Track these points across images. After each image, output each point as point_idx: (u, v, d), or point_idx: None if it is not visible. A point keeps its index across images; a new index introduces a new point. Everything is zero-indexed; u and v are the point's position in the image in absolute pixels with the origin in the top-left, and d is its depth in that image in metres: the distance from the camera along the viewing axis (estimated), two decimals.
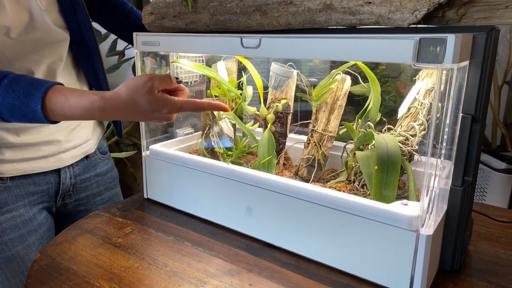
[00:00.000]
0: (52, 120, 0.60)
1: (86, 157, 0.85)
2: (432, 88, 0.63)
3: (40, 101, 0.57)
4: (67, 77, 0.78)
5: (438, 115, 0.48)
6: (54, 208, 0.81)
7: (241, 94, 0.82)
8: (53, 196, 0.79)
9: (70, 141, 0.79)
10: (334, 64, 0.80)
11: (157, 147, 0.78)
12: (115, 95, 0.58)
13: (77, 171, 0.82)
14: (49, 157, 0.76)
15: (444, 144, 0.50)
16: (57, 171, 0.78)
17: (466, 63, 0.50)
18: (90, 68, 0.81)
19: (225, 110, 0.66)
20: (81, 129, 0.82)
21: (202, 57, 0.88)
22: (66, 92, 0.59)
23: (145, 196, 0.81)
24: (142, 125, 0.80)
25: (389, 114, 0.72)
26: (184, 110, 0.62)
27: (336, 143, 0.75)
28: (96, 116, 0.59)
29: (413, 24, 0.54)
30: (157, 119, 0.61)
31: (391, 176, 0.57)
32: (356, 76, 0.72)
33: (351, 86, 0.72)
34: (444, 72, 0.46)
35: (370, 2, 0.54)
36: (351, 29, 0.59)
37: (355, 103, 0.77)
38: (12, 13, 0.65)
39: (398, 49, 0.47)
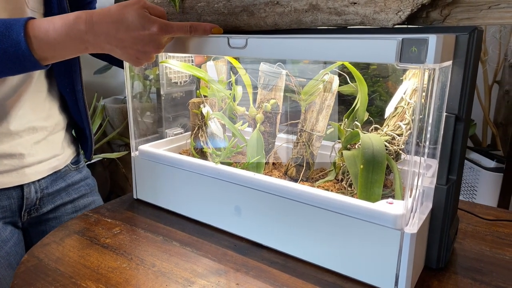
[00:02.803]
0: (37, 55, 0.54)
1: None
2: (417, 87, 0.63)
3: (23, 28, 0.53)
4: (37, 85, 0.72)
5: (421, 116, 0.49)
6: (19, 223, 0.74)
7: (230, 94, 0.82)
8: (16, 211, 0.72)
9: (34, 155, 0.72)
10: (324, 64, 0.80)
11: (146, 147, 0.78)
12: (104, 9, 0.56)
13: (44, 184, 0.75)
14: (11, 172, 0.69)
15: (428, 143, 0.50)
16: (20, 186, 0.71)
17: (449, 63, 0.51)
18: (67, 78, 0.76)
19: (218, 31, 0.62)
20: (47, 143, 0.75)
21: (191, 57, 0.88)
22: (49, 17, 0.56)
23: (134, 197, 0.81)
24: (131, 125, 0.79)
25: (380, 114, 0.72)
26: (174, 30, 0.59)
27: (325, 142, 0.75)
28: (82, 32, 0.55)
29: (398, 24, 0.54)
30: (146, 42, 0.57)
31: (376, 175, 0.57)
32: (345, 76, 0.72)
33: (341, 86, 0.72)
34: (427, 72, 0.47)
35: (355, 3, 0.55)
36: (338, 30, 0.60)
37: (346, 102, 0.77)
38: None
39: (381, 49, 0.47)
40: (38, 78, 0.72)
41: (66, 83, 0.76)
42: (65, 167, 0.81)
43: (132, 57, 0.60)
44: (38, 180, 0.75)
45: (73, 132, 0.86)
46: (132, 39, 0.57)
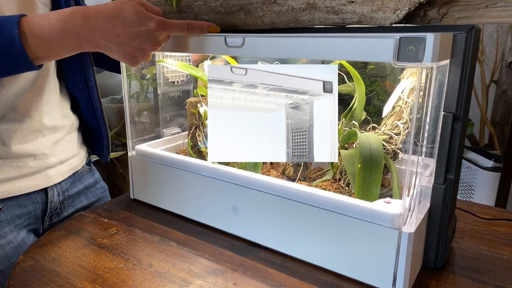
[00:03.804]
0: (31, 53, 0.53)
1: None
2: (415, 86, 0.63)
3: (16, 25, 0.51)
4: (53, 82, 0.72)
5: (418, 115, 0.49)
6: (41, 230, 0.74)
7: None
8: (40, 217, 0.72)
9: (56, 155, 0.73)
10: (322, 63, 0.80)
11: (143, 147, 0.78)
12: (100, 5, 0.55)
13: (65, 186, 0.76)
14: (35, 174, 0.69)
15: (425, 142, 0.50)
16: (44, 189, 0.71)
17: (446, 62, 0.50)
18: (79, 74, 0.75)
19: (216, 30, 0.61)
20: (65, 143, 0.76)
21: (189, 56, 0.88)
22: (44, 13, 0.56)
23: (131, 197, 0.81)
24: (128, 124, 0.79)
25: (377, 113, 0.72)
26: (172, 27, 0.57)
27: None
28: (78, 27, 0.54)
29: (396, 23, 0.54)
30: (143, 39, 0.55)
31: (374, 174, 0.57)
32: (343, 75, 0.72)
33: (339, 85, 0.72)
34: (424, 71, 0.46)
35: (353, 1, 0.54)
36: (336, 28, 0.59)
37: (344, 102, 0.77)
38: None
39: (379, 48, 0.47)
40: (53, 75, 0.72)
41: (78, 81, 0.75)
42: (81, 168, 0.81)
43: (128, 55, 0.58)
44: (60, 183, 0.74)
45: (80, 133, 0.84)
46: (129, 35, 0.55)
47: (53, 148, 0.73)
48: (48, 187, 0.72)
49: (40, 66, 0.58)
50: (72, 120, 0.78)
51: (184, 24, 0.59)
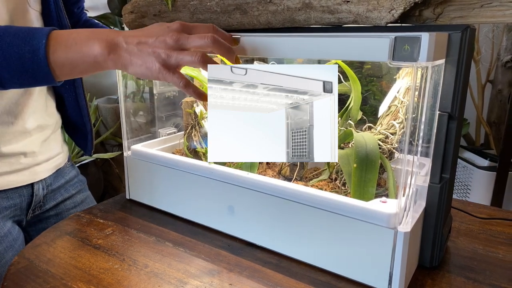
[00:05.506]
0: (51, 62, 0.52)
1: None
2: (410, 86, 0.63)
3: (46, 36, 0.51)
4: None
5: (414, 115, 0.49)
6: (24, 222, 0.78)
7: None
8: (24, 209, 0.76)
9: (44, 153, 0.77)
10: (319, 62, 0.80)
11: (139, 147, 0.77)
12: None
13: (49, 181, 0.80)
14: (24, 171, 0.73)
15: (421, 141, 0.50)
16: (31, 184, 0.75)
17: (441, 61, 0.51)
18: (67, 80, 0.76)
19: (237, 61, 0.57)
20: (51, 142, 0.80)
21: None
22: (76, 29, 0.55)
23: (127, 197, 0.80)
24: (124, 124, 0.79)
25: (373, 113, 0.72)
26: (195, 26, 0.54)
27: None
28: (103, 34, 0.52)
29: (391, 23, 0.54)
30: (162, 33, 0.52)
31: (370, 174, 0.57)
32: (339, 75, 0.72)
33: None
34: (419, 70, 0.46)
35: (348, 1, 0.54)
36: (332, 28, 0.59)
37: (340, 101, 0.77)
38: None
39: (374, 47, 0.47)
40: None
41: (65, 80, 0.76)
42: (64, 164, 0.85)
43: (148, 54, 0.51)
44: (44, 178, 0.78)
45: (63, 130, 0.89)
46: (148, 32, 0.52)
47: (41, 146, 0.77)
48: (34, 182, 0.76)
49: (59, 82, 0.56)
50: (56, 119, 0.81)
51: (210, 26, 0.55)
